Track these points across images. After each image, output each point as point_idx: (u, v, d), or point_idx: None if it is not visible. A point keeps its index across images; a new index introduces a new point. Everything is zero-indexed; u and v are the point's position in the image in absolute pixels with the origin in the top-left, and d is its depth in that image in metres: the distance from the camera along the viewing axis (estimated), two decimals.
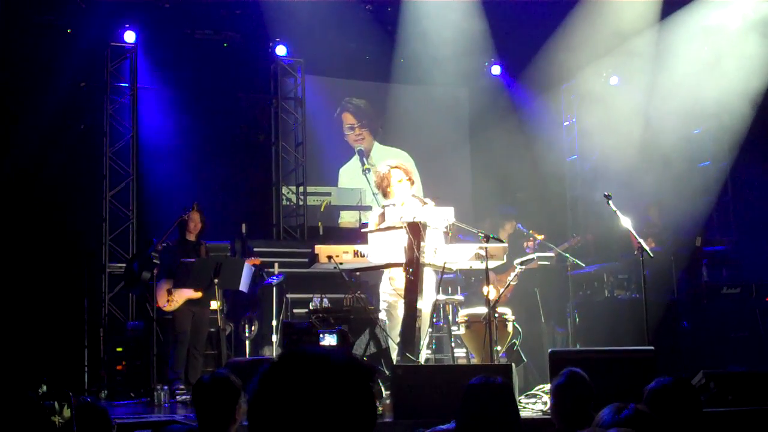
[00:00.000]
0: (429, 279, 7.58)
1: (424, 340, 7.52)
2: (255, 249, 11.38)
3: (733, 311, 10.38)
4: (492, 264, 7.60)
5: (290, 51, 13.27)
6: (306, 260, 8.05)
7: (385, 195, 7.96)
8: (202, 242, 9.71)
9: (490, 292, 7.47)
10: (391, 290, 7.80)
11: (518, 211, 11.29)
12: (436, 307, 8.05)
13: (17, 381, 8.68)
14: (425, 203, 7.64)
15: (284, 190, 13.26)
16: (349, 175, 13.96)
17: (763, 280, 10.60)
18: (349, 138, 14.19)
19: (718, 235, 12.14)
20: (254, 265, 9.75)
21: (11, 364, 9.72)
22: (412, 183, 7.95)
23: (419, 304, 7.25)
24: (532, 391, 7.32)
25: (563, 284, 10.98)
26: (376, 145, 14.23)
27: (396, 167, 7.94)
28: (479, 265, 7.57)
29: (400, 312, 7.59)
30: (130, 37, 12.08)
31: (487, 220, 11.10)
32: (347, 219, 13.68)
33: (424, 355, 7.51)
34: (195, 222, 9.59)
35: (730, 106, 11.34)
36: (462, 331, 8.05)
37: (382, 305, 7.87)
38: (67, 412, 3.76)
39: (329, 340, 7.43)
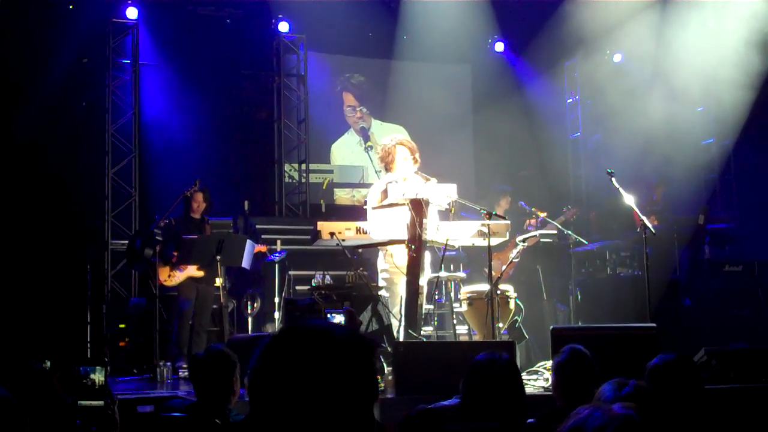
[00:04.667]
0: (425, 255, 7.58)
1: (421, 317, 7.53)
2: (257, 226, 11.38)
3: (735, 289, 10.39)
4: (494, 241, 7.59)
5: (293, 27, 13.21)
6: (308, 237, 8.06)
7: (387, 169, 7.97)
8: (207, 220, 9.70)
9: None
10: (388, 266, 7.81)
11: (521, 188, 11.27)
12: (436, 284, 8.05)
13: (22, 356, 8.71)
14: (428, 180, 7.63)
15: (286, 167, 13.25)
16: (342, 151, 13.94)
17: (766, 257, 10.60)
18: (350, 118, 14.16)
19: (721, 212, 12.14)
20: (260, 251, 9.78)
21: (15, 339, 9.75)
22: (416, 162, 7.94)
23: (420, 281, 7.27)
24: (534, 368, 7.33)
25: (565, 261, 10.98)
26: (375, 123, 14.19)
27: (402, 144, 7.95)
28: (482, 243, 7.57)
29: (399, 288, 7.61)
30: (132, 13, 12.02)
31: (484, 196, 11.09)
32: (341, 196, 13.69)
33: (423, 331, 7.52)
34: (198, 202, 9.59)
35: (733, 83, 11.29)
36: (464, 308, 8.06)
37: (381, 282, 7.89)
38: (101, 376, 3.97)
39: (337, 319, 7.43)
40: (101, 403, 3.97)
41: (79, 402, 3.87)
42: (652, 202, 10.97)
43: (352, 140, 14.00)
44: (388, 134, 8.58)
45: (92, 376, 4.02)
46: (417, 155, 7.98)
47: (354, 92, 14.18)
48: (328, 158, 13.86)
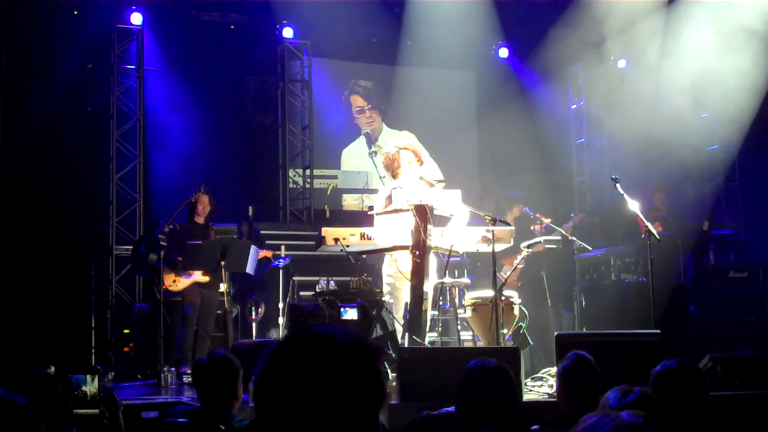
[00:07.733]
0: (431, 261, 7.57)
1: (427, 323, 7.52)
2: (261, 231, 11.37)
3: (740, 295, 10.37)
4: (499, 247, 7.58)
5: (297, 33, 13.23)
6: (312, 243, 8.05)
7: (393, 176, 7.94)
8: (211, 225, 9.70)
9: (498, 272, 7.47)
10: (393, 272, 7.79)
11: (525, 194, 11.25)
12: (441, 290, 8.04)
13: (26, 361, 8.70)
14: (432, 185, 7.62)
15: (291, 172, 13.26)
16: (352, 157, 13.96)
17: None
18: (360, 121, 14.18)
19: (726, 218, 12.14)
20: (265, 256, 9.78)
21: (20, 344, 9.75)
22: (421, 164, 7.92)
23: (425, 287, 7.25)
24: (539, 374, 7.32)
25: (570, 268, 10.96)
26: (385, 129, 14.21)
27: (405, 148, 7.92)
28: (486, 248, 7.56)
29: (403, 294, 7.59)
30: (136, 18, 12.05)
31: (488, 202, 11.05)
32: (350, 202, 13.68)
33: (427, 337, 7.51)
34: (203, 204, 9.59)
35: (738, 89, 11.28)
36: (468, 314, 8.04)
37: (386, 287, 7.88)
38: (95, 384, 3.98)
39: (351, 314, 7.43)
40: (96, 411, 3.98)
41: (75, 410, 3.88)
42: (653, 208, 10.95)
43: (361, 146, 14.01)
44: (396, 140, 8.56)
45: (84, 387, 4.02)
46: (422, 157, 7.97)
47: (362, 94, 14.19)
48: (334, 163, 13.87)
